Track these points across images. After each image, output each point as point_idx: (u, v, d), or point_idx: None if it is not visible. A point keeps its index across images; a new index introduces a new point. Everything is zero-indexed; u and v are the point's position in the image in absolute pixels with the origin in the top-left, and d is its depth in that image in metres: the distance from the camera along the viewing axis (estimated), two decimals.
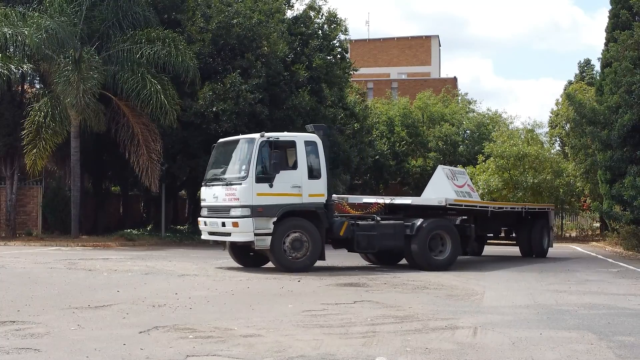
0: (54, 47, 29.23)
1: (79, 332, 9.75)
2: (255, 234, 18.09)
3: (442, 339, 9.57)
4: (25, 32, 28.68)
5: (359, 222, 19.90)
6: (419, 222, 20.01)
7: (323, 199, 19.24)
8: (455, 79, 70.39)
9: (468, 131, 52.32)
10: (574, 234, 42.70)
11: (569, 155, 41.39)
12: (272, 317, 11.08)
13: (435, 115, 51.60)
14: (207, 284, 15.86)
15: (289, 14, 37.79)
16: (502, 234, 27.01)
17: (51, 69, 30.12)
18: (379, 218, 20.14)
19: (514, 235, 26.41)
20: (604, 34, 32.92)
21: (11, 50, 31.18)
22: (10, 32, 29.07)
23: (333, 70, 37.39)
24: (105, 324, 10.38)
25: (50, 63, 30.08)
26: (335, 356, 8.47)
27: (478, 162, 41.00)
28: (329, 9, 38.60)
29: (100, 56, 29.93)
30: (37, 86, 34.92)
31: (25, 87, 34.96)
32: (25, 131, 29.78)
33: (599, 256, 27.31)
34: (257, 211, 18.09)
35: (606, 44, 31.69)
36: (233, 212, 18.28)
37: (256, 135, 18.85)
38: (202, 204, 19.77)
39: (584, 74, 52.91)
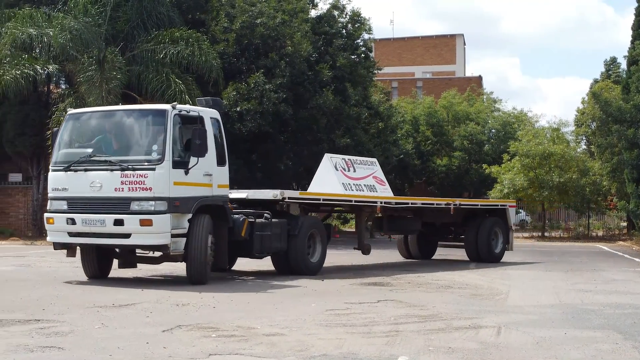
0: (78, 47, 29.38)
1: (102, 330, 9.79)
2: (172, 235, 14.44)
3: (465, 339, 9.52)
4: (50, 33, 28.88)
5: (257, 220, 16.39)
6: (300, 220, 17.45)
7: (228, 191, 16.15)
8: (480, 77, 70.15)
9: (493, 130, 52.14)
10: (600, 234, 42.35)
11: (595, 154, 41.07)
12: (295, 316, 11.06)
13: (460, 115, 51.42)
14: (230, 282, 15.88)
15: (313, 13, 37.85)
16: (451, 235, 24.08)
17: (76, 69, 30.30)
18: (268, 215, 16.71)
19: (463, 237, 23.29)
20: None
21: (37, 51, 31.42)
22: (35, 33, 29.27)
23: (357, 70, 37.37)
24: (129, 322, 10.41)
25: (75, 63, 30.25)
26: (358, 355, 8.45)
27: (503, 161, 40.80)
28: (352, 8, 38.72)
29: (125, 56, 30.08)
30: (63, 86, 35.18)
31: (51, 87, 35.25)
32: (49, 131, 29.98)
33: (626, 255, 27.09)
34: (174, 205, 14.41)
35: (632, 42, 31.45)
36: (139, 206, 14.33)
37: (166, 106, 15.06)
38: (61, 194, 14.99)
39: (610, 72, 52.54)
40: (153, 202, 14.27)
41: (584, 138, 46.47)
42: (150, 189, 14.25)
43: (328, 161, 20.22)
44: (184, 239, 14.59)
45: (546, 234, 40.55)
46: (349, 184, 19.99)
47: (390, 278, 17.09)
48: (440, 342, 9.22)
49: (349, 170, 20.30)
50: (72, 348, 8.67)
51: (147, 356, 8.31)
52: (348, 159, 20.87)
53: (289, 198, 17.34)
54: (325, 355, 8.44)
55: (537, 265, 21.87)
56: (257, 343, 9.03)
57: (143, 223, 14.24)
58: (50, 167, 15.58)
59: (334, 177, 19.72)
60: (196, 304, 12.23)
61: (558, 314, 11.85)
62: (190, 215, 14.63)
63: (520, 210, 48.53)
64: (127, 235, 14.47)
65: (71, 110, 16.37)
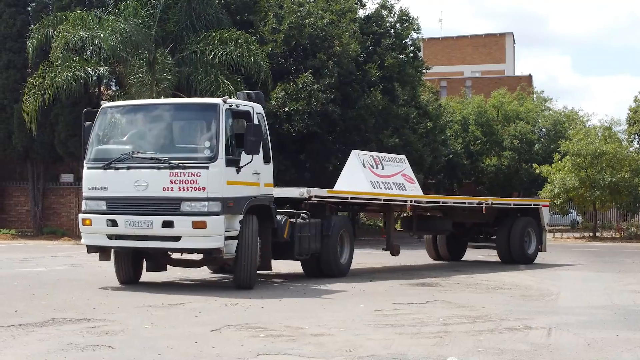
0: (128, 49, 29.65)
1: (152, 330, 9.86)
2: (226, 238, 13.47)
3: (515, 340, 9.43)
4: (101, 35, 29.14)
5: (297, 221, 15.66)
6: (333, 219, 16.81)
7: (273, 190, 15.20)
8: (530, 76, 69.50)
9: (544, 129, 51.70)
10: None
11: None
12: (343, 317, 11.04)
13: (510, 114, 51.06)
14: (278, 283, 15.90)
15: (361, 13, 37.92)
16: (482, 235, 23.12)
17: (126, 70, 30.59)
18: (306, 215, 15.97)
19: (494, 237, 22.43)
20: None
21: (88, 53, 31.76)
22: (86, 35, 29.54)
23: (405, 69, 37.27)
24: (178, 322, 10.48)
25: (126, 65, 30.55)
26: (406, 356, 8.40)
27: (554, 160, 40.38)
28: (401, 7, 38.88)
29: (174, 58, 30.28)
30: (114, 88, 35.56)
31: (102, 89, 35.64)
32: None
33: None
34: (227, 206, 13.43)
35: None
36: (190, 207, 13.34)
37: (217, 101, 13.97)
38: (99, 194, 13.87)
39: None
40: (206, 203, 13.28)
41: (636, 137, 45.84)
42: (204, 188, 13.27)
43: (355, 158, 19.38)
44: (236, 242, 13.66)
45: (598, 234, 40.01)
46: (378, 182, 19.20)
47: (439, 279, 16.99)
48: (489, 343, 9.14)
49: (377, 168, 19.52)
50: (122, 347, 8.75)
51: (196, 355, 8.35)
52: (376, 156, 20.07)
53: (316, 196, 16.46)
54: (373, 355, 8.41)
55: (588, 265, 21.60)
56: (305, 343, 9.03)
57: (196, 225, 13.24)
58: (84, 164, 14.42)
59: (362, 175, 18.95)
60: (244, 304, 12.25)
61: (610, 315, 11.69)
62: (241, 217, 13.68)
63: (572, 211, 48.02)
64: (177, 238, 13.48)
65: (105, 104, 15.04)
